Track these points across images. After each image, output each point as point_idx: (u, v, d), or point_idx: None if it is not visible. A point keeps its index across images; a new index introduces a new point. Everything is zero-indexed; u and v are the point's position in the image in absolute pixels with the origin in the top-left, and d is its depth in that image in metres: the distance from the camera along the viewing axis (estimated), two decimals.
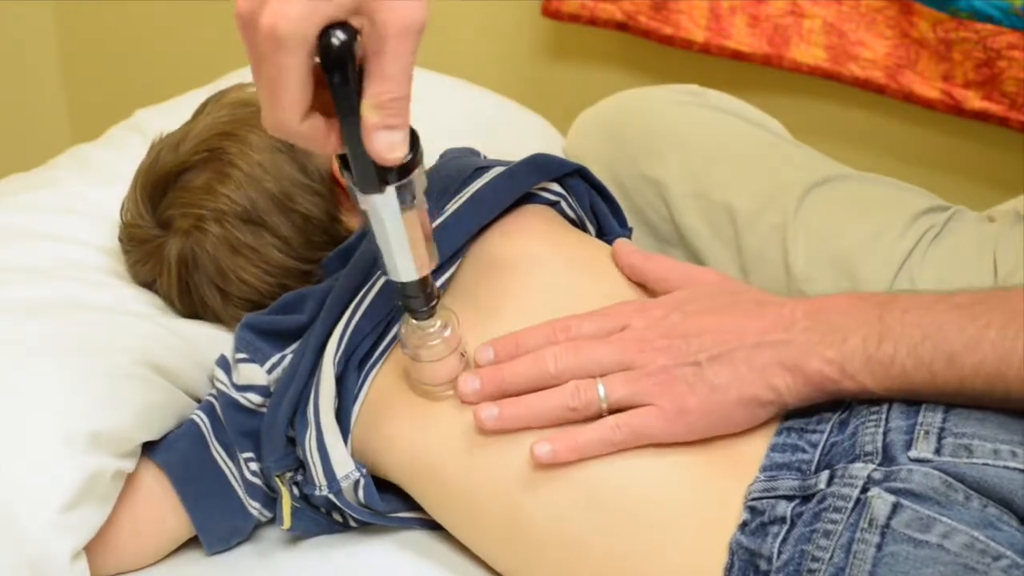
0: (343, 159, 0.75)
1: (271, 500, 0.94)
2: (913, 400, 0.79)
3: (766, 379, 0.80)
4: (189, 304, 1.05)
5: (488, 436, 0.86)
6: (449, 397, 0.87)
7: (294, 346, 0.94)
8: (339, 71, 0.69)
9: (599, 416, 0.83)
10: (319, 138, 0.72)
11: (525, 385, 0.85)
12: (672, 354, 0.82)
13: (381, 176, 0.74)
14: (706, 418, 0.81)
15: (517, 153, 1.07)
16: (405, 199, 0.75)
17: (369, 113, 0.70)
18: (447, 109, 1.37)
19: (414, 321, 0.84)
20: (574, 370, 0.84)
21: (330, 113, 0.72)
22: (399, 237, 0.77)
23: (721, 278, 0.92)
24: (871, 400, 0.81)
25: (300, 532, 0.95)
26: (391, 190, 0.74)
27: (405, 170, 0.74)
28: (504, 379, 0.85)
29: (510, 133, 1.36)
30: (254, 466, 0.93)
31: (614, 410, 0.82)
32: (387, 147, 0.70)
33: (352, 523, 0.95)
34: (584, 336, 0.86)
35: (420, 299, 0.82)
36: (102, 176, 1.20)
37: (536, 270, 0.93)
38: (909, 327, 0.78)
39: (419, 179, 0.76)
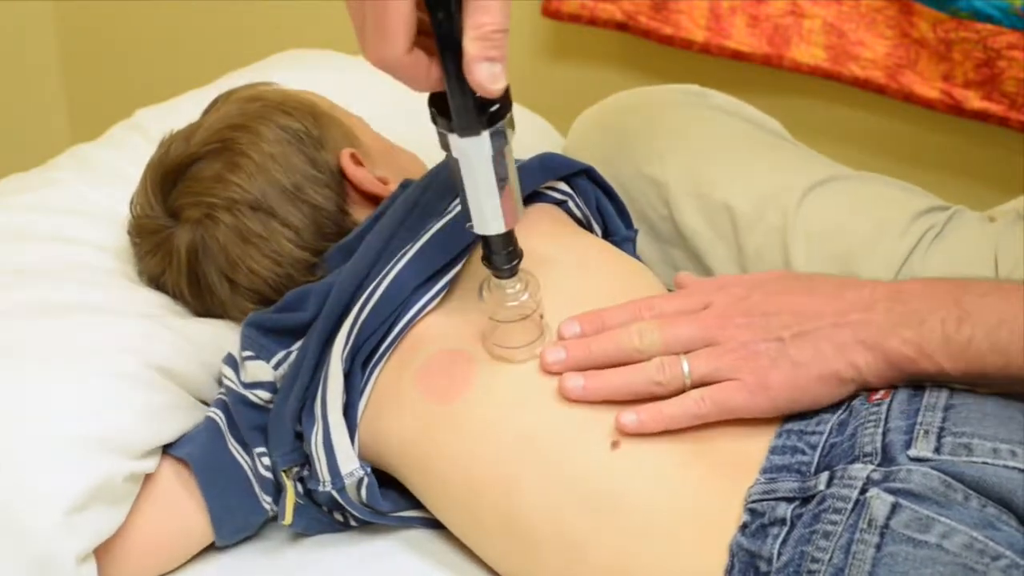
0: (437, 105, 0.76)
1: (280, 495, 0.94)
2: (979, 384, 0.80)
3: (847, 357, 0.81)
4: (197, 295, 1.05)
5: (488, 434, 0.86)
6: (521, 361, 0.87)
7: (299, 343, 0.95)
8: (443, 6, 0.71)
9: (682, 391, 0.84)
10: (421, 72, 0.74)
11: (610, 359, 0.86)
12: (754, 331, 0.84)
13: (480, 117, 0.75)
14: (788, 393, 0.82)
15: (517, 153, 1.07)
16: (498, 145, 0.77)
17: (471, 45, 0.71)
18: None
19: (495, 280, 0.85)
20: (658, 346, 0.85)
21: (430, 52, 0.74)
22: (491, 186, 0.78)
23: (789, 271, 0.93)
24: (871, 401, 0.81)
25: (301, 529, 0.95)
26: (487, 134, 0.76)
27: (499, 113, 0.76)
28: (590, 351, 0.86)
29: None
30: (266, 460, 0.94)
31: (697, 386, 0.83)
32: (489, 78, 0.72)
33: (353, 522, 0.95)
34: (667, 314, 0.87)
35: (503, 256, 0.83)
36: (102, 176, 1.20)
37: (543, 270, 0.93)
38: (986, 311, 0.79)
39: (510, 126, 0.77)
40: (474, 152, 0.77)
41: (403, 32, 0.72)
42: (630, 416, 0.83)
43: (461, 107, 0.75)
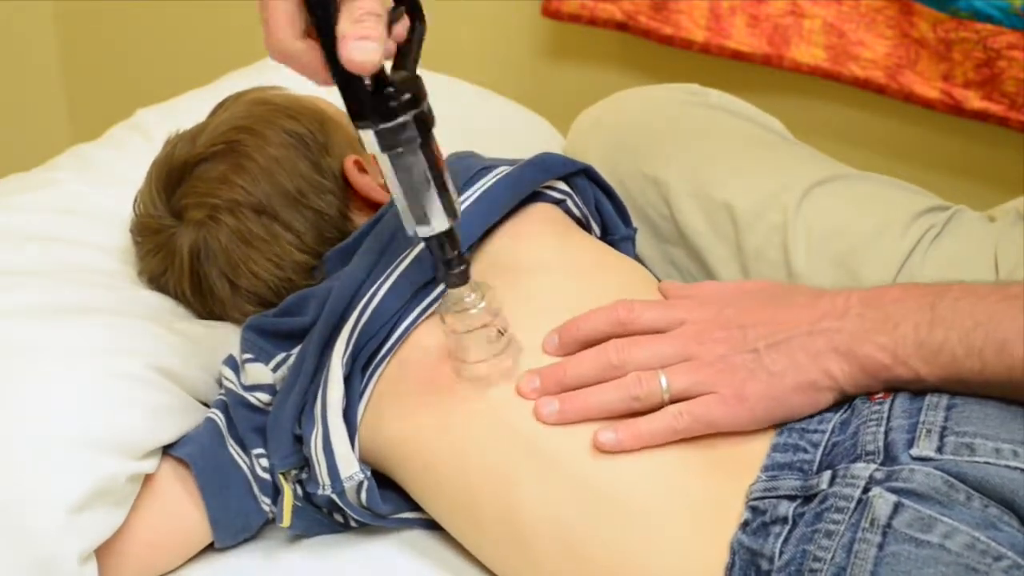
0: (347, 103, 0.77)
1: (278, 497, 0.94)
2: (959, 392, 0.80)
3: (821, 365, 0.81)
4: (198, 295, 1.05)
5: (486, 436, 0.86)
6: (479, 378, 0.86)
7: (299, 347, 0.95)
8: (320, 5, 0.74)
9: (660, 407, 0.83)
10: (316, 63, 0.77)
11: (585, 380, 0.85)
12: (730, 344, 0.84)
13: (373, 108, 0.76)
14: (765, 403, 0.82)
15: (517, 153, 1.08)
16: (407, 137, 0.77)
17: (345, 26, 0.74)
18: (447, 109, 1.36)
19: (449, 292, 0.83)
20: (636, 362, 0.85)
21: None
22: (410, 182, 0.78)
23: (770, 281, 0.93)
24: (873, 400, 0.81)
25: (300, 531, 0.95)
26: (388, 126, 0.76)
27: (405, 105, 0.76)
28: (566, 374, 0.86)
29: (510, 133, 1.36)
30: (265, 462, 0.94)
31: (675, 400, 0.83)
32: (360, 51, 0.74)
33: (352, 523, 0.95)
34: (644, 321, 0.87)
35: (445, 262, 0.81)
36: (102, 176, 1.20)
37: (542, 273, 0.94)
38: (961, 315, 0.78)
39: (426, 119, 0.78)
40: (378, 147, 0.77)
41: (286, 22, 0.76)
42: (608, 435, 0.82)
43: (350, 96, 0.76)
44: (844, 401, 0.83)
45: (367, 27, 0.74)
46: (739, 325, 0.84)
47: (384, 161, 0.78)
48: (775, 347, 0.82)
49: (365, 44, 0.74)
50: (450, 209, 0.80)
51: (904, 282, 0.85)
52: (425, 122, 0.78)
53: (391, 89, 0.76)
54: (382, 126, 0.76)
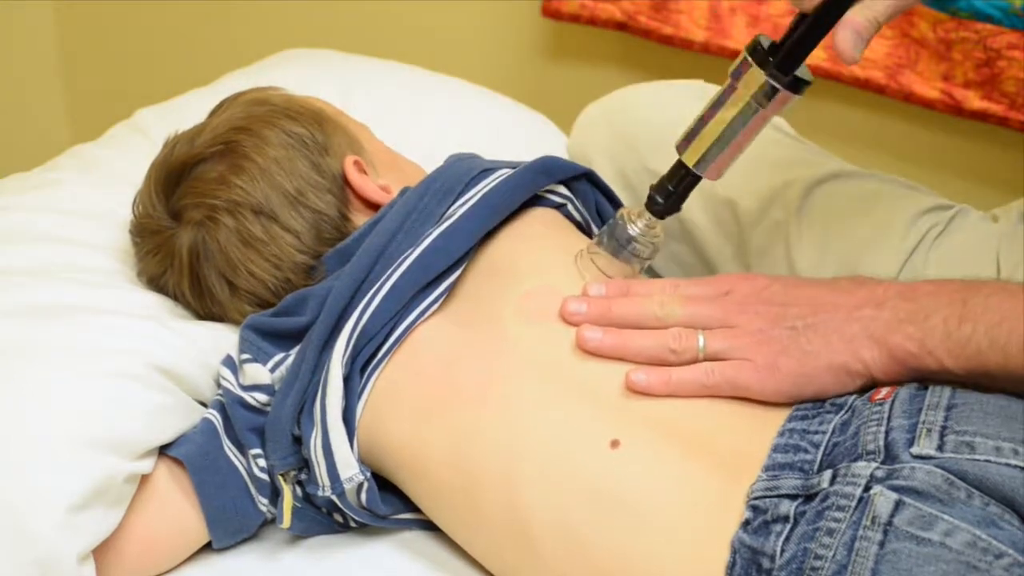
0: (758, 45, 0.84)
1: (277, 498, 0.94)
2: (984, 386, 0.81)
3: (854, 350, 0.84)
4: (197, 296, 1.05)
5: (487, 435, 0.86)
6: (593, 271, 0.92)
7: (297, 347, 0.95)
8: None
9: (694, 364, 0.86)
10: None
11: (628, 322, 0.89)
12: (770, 318, 0.87)
13: (795, 69, 0.84)
14: (795, 379, 0.84)
15: (518, 153, 1.08)
16: (780, 101, 0.85)
17: (856, 14, 0.80)
18: (447, 110, 1.37)
19: (645, 211, 0.91)
20: (678, 319, 0.88)
21: None
22: (746, 136, 0.87)
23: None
24: (874, 400, 0.82)
25: (300, 532, 0.95)
26: (786, 83, 0.84)
27: (801, 83, 0.85)
28: (611, 309, 0.89)
29: (511, 133, 1.36)
30: (262, 463, 0.94)
31: (709, 360, 0.86)
32: (853, 44, 0.81)
33: (352, 524, 0.95)
34: (690, 294, 0.90)
35: (674, 199, 0.90)
36: (102, 176, 1.19)
37: (540, 276, 0.94)
38: (990, 310, 0.80)
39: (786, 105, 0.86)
40: (760, 95, 0.84)
41: None
42: (639, 375, 0.85)
43: (798, 50, 0.83)
44: (846, 401, 0.84)
45: (873, 30, 0.81)
46: (781, 303, 0.87)
47: (753, 103, 0.85)
48: (812, 327, 0.85)
49: (860, 43, 0.81)
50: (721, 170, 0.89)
51: (937, 278, 0.87)
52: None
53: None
54: (791, 85, 0.84)
